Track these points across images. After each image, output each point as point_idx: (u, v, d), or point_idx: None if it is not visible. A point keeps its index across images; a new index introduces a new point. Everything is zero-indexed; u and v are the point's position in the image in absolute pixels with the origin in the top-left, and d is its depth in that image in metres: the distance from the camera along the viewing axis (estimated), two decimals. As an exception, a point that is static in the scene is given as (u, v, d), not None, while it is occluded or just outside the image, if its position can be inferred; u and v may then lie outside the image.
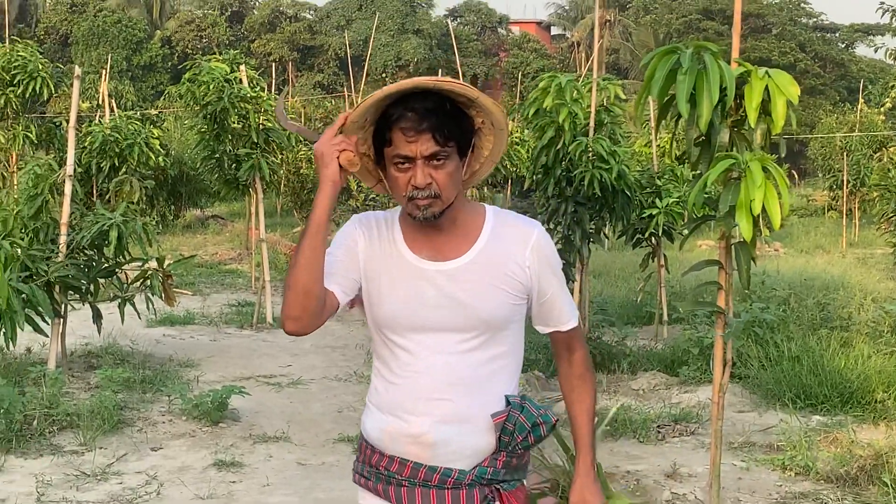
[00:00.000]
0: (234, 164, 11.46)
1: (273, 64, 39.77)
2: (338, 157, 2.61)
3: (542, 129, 8.71)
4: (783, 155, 5.56)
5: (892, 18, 39.11)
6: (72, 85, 9.51)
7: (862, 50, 62.44)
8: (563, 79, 8.53)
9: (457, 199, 2.73)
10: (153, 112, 23.92)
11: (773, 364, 8.34)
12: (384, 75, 58.30)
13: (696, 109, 4.84)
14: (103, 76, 17.58)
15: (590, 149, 8.40)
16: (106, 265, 8.68)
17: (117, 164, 13.34)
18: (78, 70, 9.04)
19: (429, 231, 2.76)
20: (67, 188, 8.64)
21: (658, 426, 7.47)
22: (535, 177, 8.99)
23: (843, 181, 23.51)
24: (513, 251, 2.80)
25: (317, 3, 66.30)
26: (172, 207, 23.00)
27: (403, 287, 2.74)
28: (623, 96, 9.07)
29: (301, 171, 21.82)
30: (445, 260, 2.76)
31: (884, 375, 7.85)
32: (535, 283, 2.82)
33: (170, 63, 58.06)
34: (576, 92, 8.47)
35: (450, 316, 2.74)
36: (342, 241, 2.81)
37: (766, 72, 4.91)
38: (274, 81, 22.73)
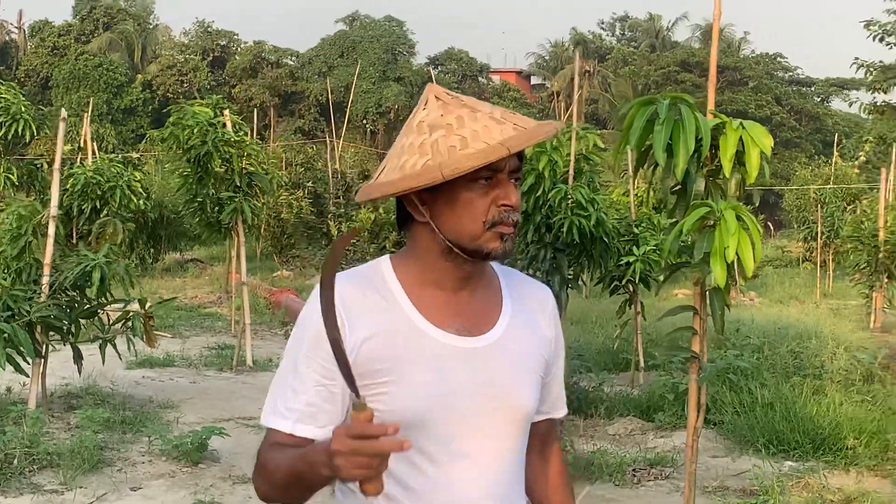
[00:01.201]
0: (216, 208, 11.56)
1: (254, 109, 40.01)
2: (360, 483, 1.78)
3: (522, 177, 8.86)
4: (756, 205, 5.72)
5: (866, 73, 39.68)
6: (53, 127, 9.60)
7: (837, 104, 63.43)
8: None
9: None
10: (135, 155, 24.03)
11: (747, 410, 8.47)
12: (364, 122, 58.70)
13: (673, 159, 4.98)
14: (85, 119, 17.67)
15: (569, 196, 8.55)
16: (88, 306, 8.74)
17: (98, 207, 13.39)
18: (64, 113, 9.15)
19: (452, 293, 2.12)
20: (51, 229, 8.71)
21: (634, 470, 7.57)
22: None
23: (817, 233, 23.79)
24: (537, 320, 2.24)
25: (298, 49, 66.72)
26: (152, 250, 23.05)
27: (427, 373, 2.03)
28: (602, 145, 9.25)
29: (282, 215, 21.95)
30: (479, 333, 2.11)
31: (855, 422, 7.99)
32: (552, 360, 2.28)
33: (150, 107, 58.29)
34: (556, 140, 8.64)
35: (488, 411, 2.08)
36: (310, 348, 2.04)
37: (741, 123, 5.07)
38: (255, 126, 22.84)
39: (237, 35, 66.89)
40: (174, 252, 24.85)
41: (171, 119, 11.68)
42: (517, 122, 2.00)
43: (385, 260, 2.15)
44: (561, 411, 2.38)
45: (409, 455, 1.99)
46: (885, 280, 14.97)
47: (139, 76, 60.58)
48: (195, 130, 11.16)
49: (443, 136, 1.97)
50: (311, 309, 2.03)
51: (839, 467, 7.48)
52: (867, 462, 7.50)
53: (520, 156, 2.05)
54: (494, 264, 2.22)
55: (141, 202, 16.48)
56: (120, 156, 21.37)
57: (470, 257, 2.05)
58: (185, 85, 60.68)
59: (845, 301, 20.02)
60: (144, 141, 35.07)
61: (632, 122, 5.07)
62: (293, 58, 66.44)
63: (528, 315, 2.21)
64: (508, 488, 2.13)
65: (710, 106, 5.51)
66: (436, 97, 2.06)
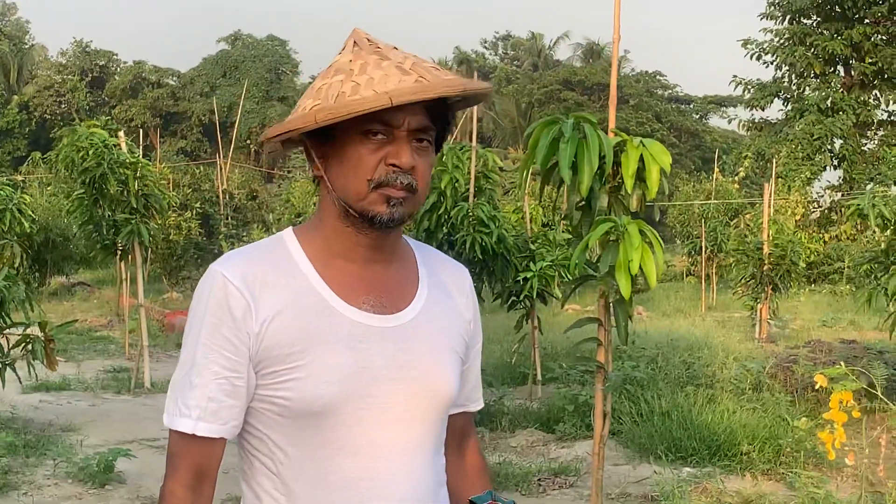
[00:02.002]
0: (112, 229, 11.48)
1: (136, 129, 39.55)
2: None
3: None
4: (657, 219, 5.96)
5: (743, 91, 40.87)
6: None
7: (715, 121, 64.80)
8: (445, 147, 8.89)
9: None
10: (19, 178, 23.60)
11: (645, 419, 8.73)
12: (249, 142, 58.36)
13: (578, 176, 5.17)
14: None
15: (471, 213, 8.74)
16: (-13, 330, 8.63)
17: (-14, 230, 13.22)
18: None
19: (366, 266, 1.94)
20: (-53, 253, 8.61)
21: (539, 479, 7.75)
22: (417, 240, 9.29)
23: (701, 247, 24.40)
24: (455, 299, 2.08)
25: (180, 69, 66.10)
26: (37, 274, 22.64)
27: (340, 355, 1.84)
28: (500, 163, 9.47)
29: (170, 237, 21.76)
30: (395, 311, 1.94)
31: (748, 429, 8.29)
32: (471, 343, 2.13)
33: (27, 128, 57.16)
34: (456, 158, 8.82)
35: (408, 395, 1.91)
36: (212, 341, 1.85)
37: (641, 141, 5.30)
38: (141, 147, 22.54)
39: (116, 55, 66.03)
40: (60, 276, 24.44)
41: (65, 141, 11.58)
42: (423, 75, 1.79)
43: (287, 231, 1.96)
44: (477, 403, 2.23)
45: (324, 449, 1.85)
46: (770, 292, 15.46)
47: (15, 97, 59.39)
48: (90, 152, 11.08)
49: (339, 81, 1.81)
50: (206, 291, 1.86)
51: (735, 472, 7.77)
52: (761, 466, 7.79)
53: (440, 117, 1.91)
54: (410, 239, 2.08)
55: (27, 225, 16.28)
56: (5, 178, 20.96)
57: (359, 220, 1.86)
58: (64, 106, 59.77)
59: (730, 313, 20.57)
60: (26, 163, 34.45)
61: (537, 141, 5.25)
62: (174, 78, 65.82)
63: (446, 293, 2.05)
64: (433, 481, 1.97)
65: (612, 125, 5.74)
66: (354, 42, 1.90)
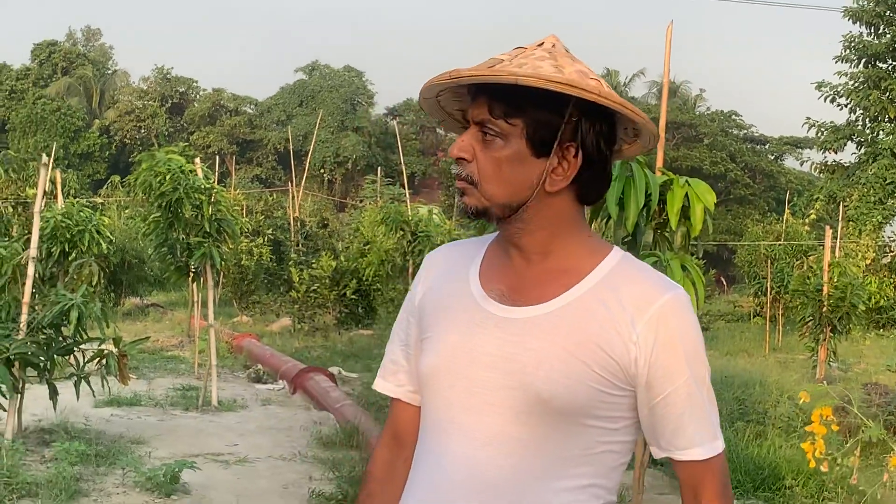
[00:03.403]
0: (185, 252, 11.92)
1: (213, 156, 40.38)
2: None
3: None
4: (700, 255, 6.20)
5: (817, 133, 40.75)
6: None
7: (790, 162, 64.39)
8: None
9: (558, 224, 1.94)
10: (99, 200, 24.28)
11: (693, 452, 8.92)
12: (322, 171, 59.11)
13: (624, 212, 5.45)
14: (51, 163, 17.97)
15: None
16: (64, 344, 9.08)
17: (67, 250, 13.71)
18: (45, 158, 9.53)
19: (509, 260, 1.98)
20: (30, 270, 9.06)
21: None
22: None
23: (767, 288, 24.39)
24: (619, 316, 1.89)
25: (257, 97, 67.21)
26: (113, 294, 23.25)
27: (454, 333, 1.95)
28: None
29: (242, 262, 22.25)
30: (521, 304, 1.93)
31: (793, 464, 8.46)
32: (642, 372, 1.89)
33: (107, 152, 58.43)
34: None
35: (501, 387, 1.89)
36: (404, 308, 2.15)
37: (686, 181, 5.56)
38: (217, 173, 23.24)
39: (196, 82, 67.35)
40: (134, 297, 25.05)
41: (143, 165, 12.04)
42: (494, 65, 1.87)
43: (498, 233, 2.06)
44: (684, 453, 1.93)
45: (423, 419, 2.03)
46: (829, 333, 15.53)
47: (97, 121, 60.83)
48: (167, 177, 11.53)
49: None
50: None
51: (778, 504, 7.96)
52: (803, 501, 7.97)
53: (492, 111, 1.89)
54: (621, 253, 2.00)
55: (104, 246, 16.82)
56: (85, 200, 21.64)
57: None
58: (143, 131, 61.07)
59: (793, 355, 20.55)
60: (106, 186, 35.34)
61: (587, 178, 5.54)
62: (252, 106, 66.97)
63: (612, 305, 1.90)
64: (509, 480, 1.88)
65: (659, 164, 6.02)
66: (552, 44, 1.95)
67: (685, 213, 5.58)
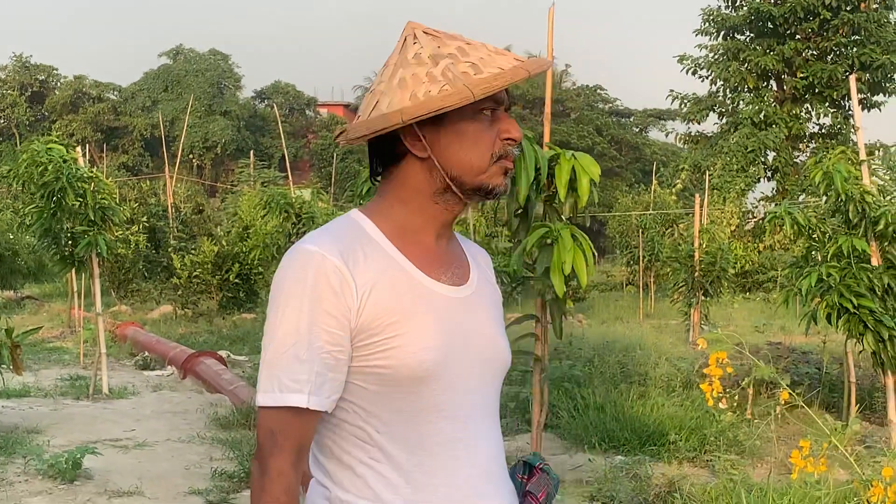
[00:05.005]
0: (69, 241, 11.88)
1: (80, 144, 39.63)
2: None
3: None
4: (588, 226, 6.55)
5: (680, 105, 41.87)
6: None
7: (655, 134, 65.75)
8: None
9: None
10: (-33, 193, 23.78)
11: (581, 413, 9.32)
12: (191, 156, 58.40)
13: (516, 186, 5.74)
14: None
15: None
16: (-46, 337, 9.04)
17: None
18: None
19: (433, 241, 2.03)
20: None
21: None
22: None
23: (639, 257, 25.09)
24: (489, 275, 2.20)
25: (121, 83, 65.90)
26: (-15, 288, 22.89)
27: (435, 323, 1.94)
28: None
29: (119, 251, 22.06)
30: (462, 283, 2.05)
31: (675, 420, 8.92)
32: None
33: (-33, 144, 56.76)
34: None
35: (482, 361, 2.03)
36: (315, 310, 1.87)
37: (573, 154, 5.88)
38: (86, 162, 22.75)
39: (57, 69, 65.62)
40: (8, 290, 24.64)
41: (24, 156, 11.94)
42: (514, 56, 1.94)
43: (356, 212, 2.03)
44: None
45: (424, 413, 1.93)
46: (701, 297, 16.16)
47: (-46, 112, 59.06)
48: (49, 167, 11.47)
49: (451, 64, 1.89)
50: (302, 269, 1.89)
51: (663, 459, 8.37)
52: (687, 454, 8.41)
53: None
54: None
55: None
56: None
57: (468, 195, 1.97)
58: (3, 121, 59.46)
59: (666, 320, 21.23)
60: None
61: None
62: (115, 92, 65.55)
63: (481, 270, 2.14)
64: (500, 445, 2.09)
65: (546, 139, 6.33)
66: (424, 32, 1.98)
67: (572, 185, 5.89)
